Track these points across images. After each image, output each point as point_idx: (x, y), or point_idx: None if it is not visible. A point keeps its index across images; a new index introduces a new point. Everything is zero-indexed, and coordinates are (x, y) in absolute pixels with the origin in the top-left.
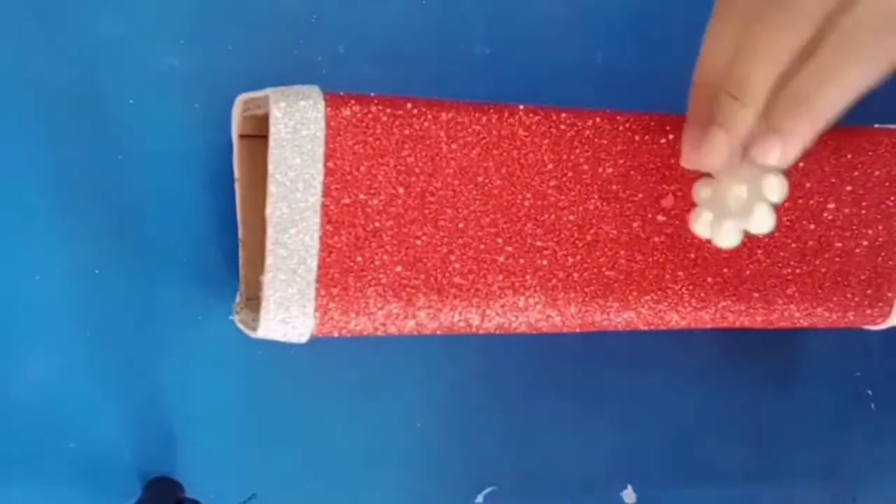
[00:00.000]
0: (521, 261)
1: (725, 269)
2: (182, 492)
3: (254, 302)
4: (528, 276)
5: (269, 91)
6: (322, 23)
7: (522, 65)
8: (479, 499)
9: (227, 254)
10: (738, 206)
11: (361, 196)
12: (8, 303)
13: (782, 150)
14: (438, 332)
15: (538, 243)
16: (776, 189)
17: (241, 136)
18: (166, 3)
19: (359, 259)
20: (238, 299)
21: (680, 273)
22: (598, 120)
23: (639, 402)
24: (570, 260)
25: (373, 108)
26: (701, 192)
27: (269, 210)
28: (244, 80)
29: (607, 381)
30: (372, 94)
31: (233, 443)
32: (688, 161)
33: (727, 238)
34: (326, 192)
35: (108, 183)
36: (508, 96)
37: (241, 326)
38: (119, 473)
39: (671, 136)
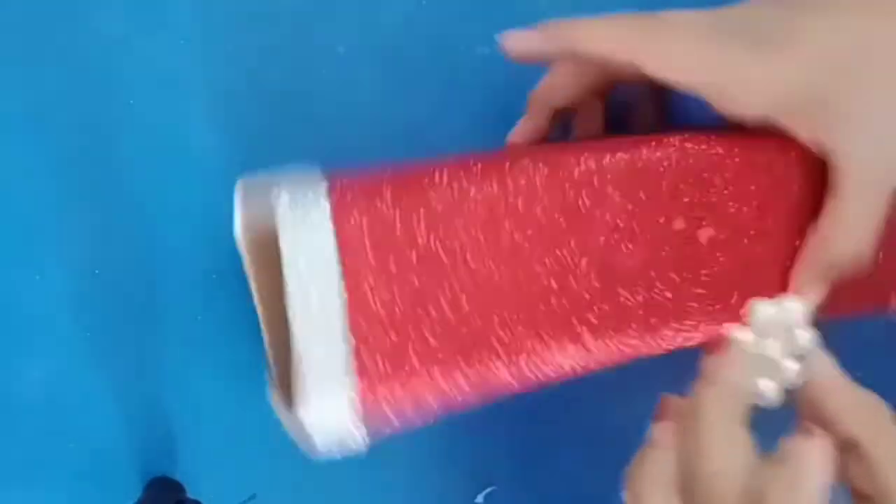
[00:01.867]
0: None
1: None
2: (182, 492)
3: (286, 387)
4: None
5: (270, 199)
6: (322, 23)
7: (522, 65)
8: (480, 499)
9: (226, 253)
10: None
11: (381, 280)
12: (8, 303)
13: None
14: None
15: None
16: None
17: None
18: (166, 2)
19: (393, 339)
20: (269, 378)
21: (699, 290)
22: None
23: (639, 402)
24: (589, 296)
25: (379, 205)
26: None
27: (290, 314)
28: (244, 80)
29: (608, 381)
30: (379, 170)
31: (233, 443)
32: None
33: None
34: (347, 284)
35: (108, 183)
36: (508, 96)
37: (275, 409)
38: (119, 473)
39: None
